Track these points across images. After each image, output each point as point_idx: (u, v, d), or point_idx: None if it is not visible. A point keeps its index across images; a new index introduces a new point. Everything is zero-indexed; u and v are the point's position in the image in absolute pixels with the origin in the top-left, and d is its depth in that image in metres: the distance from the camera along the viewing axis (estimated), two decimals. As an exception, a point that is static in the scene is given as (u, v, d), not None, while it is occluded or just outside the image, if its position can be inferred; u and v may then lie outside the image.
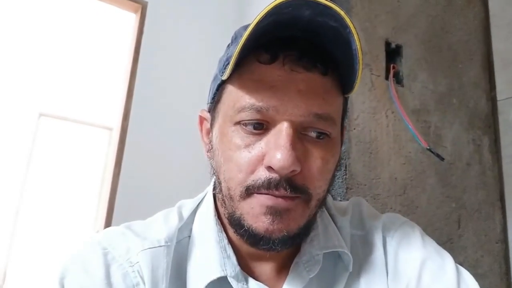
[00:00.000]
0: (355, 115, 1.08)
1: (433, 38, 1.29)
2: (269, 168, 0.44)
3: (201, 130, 0.56)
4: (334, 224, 0.56)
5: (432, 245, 0.56)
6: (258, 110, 0.45)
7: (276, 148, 0.43)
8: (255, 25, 0.42)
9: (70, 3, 3.65)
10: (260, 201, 0.44)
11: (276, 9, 0.42)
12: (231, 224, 0.48)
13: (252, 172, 0.45)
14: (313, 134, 0.46)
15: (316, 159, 0.46)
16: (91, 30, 3.80)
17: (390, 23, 1.20)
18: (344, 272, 0.53)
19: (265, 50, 0.46)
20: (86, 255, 0.50)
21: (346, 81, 0.48)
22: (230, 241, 0.52)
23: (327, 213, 0.57)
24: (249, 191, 0.45)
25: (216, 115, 0.51)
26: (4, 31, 3.55)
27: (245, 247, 0.51)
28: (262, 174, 0.44)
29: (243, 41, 0.42)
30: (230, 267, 0.49)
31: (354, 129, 1.07)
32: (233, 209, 0.47)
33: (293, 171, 0.43)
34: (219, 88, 0.50)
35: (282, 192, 0.44)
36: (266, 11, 0.42)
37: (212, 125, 0.52)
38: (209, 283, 0.48)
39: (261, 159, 0.45)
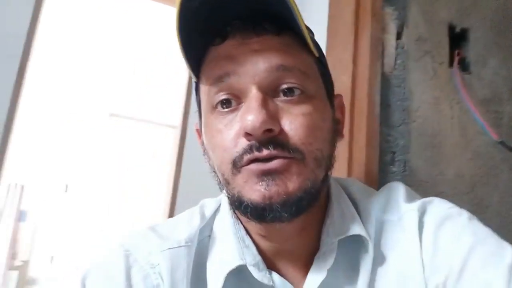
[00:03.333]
0: (415, 106, 1.00)
1: (504, 20, 1.17)
2: (247, 135, 0.44)
3: (201, 143, 0.55)
4: (354, 209, 0.53)
5: (486, 232, 0.49)
6: (221, 81, 0.45)
7: (246, 113, 0.44)
8: (180, 5, 0.42)
9: (134, 7, 3.79)
10: (250, 171, 0.44)
11: None
12: (236, 207, 0.47)
13: (235, 146, 0.45)
14: (286, 95, 0.45)
15: (297, 116, 0.45)
16: (155, 32, 3.94)
17: (453, 5, 1.10)
18: (367, 258, 0.50)
19: (215, 35, 0.47)
20: (108, 257, 0.51)
21: (303, 40, 0.47)
22: (250, 236, 0.51)
23: (346, 197, 0.54)
24: (236, 166, 0.45)
25: (201, 117, 0.51)
26: (76, 38, 3.77)
27: (263, 243, 0.51)
28: (242, 143, 0.44)
29: (177, 24, 0.43)
30: (249, 256, 0.49)
31: (414, 121, 1.00)
32: (231, 191, 0.47)
33: (269, 130, 0.43)
34: (197, 92, 0.52)
35: (266, 152, 0.43)
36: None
37: (201, 128, 0.52)
38: (228, 274, 0.47)
39: (240, 132, 0.45)
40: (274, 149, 0.43)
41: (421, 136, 1.00)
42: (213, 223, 0.55)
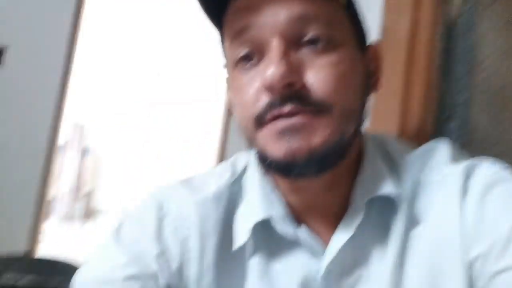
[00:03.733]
0: (481, 57, 0.91)
1: None
2: (267, 90, 0.42)
3: (228, 99, 0.54)
4: (388, 167, 0.50)
5: None
6: (242, 34, 0.44)
7: (266, 66, 0.42)
8: None
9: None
10: (272, 128, 0.43)
11: None
12: (261, 163, 0.47)
13: (258, 101, 0.43)
14: (310, 45, 0.43)
15: (322, 66, 0.43)
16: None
17: None
18: (399, 220, 0.47)
19: None
20: (142, 209, 0.53)
21: None
22: (280, 190, 0.51)
23: (382, 155, 0.52)
24: (259, 122, 0.44)
25: (227, 75, 0.51)
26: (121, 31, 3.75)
27: (292, 197, 0.50)
28: (264, 99, 0.43)
29: None
30: (275, 210, 0.49)
31: (479, 74, 0.91)
32: (257, 147, 0.46)
33: (291, 83, 0.41)
34: (223, 48, 0.51)
35: (289, 107, 0.41)
36: None
37: (227, 87, 0.51)
38: (255, 227, 0.48)
39: (261, 88, 0.43)
40: (297, 105, 0.41)
41: (485, 90, 0.91)
42: (243, 177, 0.55)
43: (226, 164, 0.57)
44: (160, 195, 0.53)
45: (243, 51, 0.45)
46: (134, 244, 0.49)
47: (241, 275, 0.50)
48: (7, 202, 1.99)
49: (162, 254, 0.49)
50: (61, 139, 1.86)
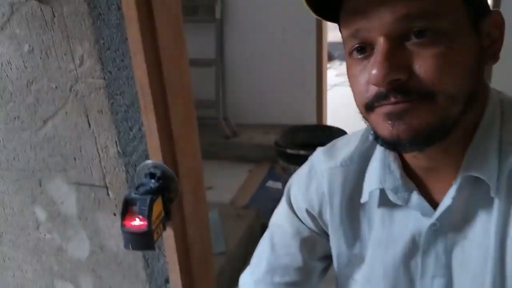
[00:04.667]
0: None
1: None
2: (374, 85, 0.47)
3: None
4: (496, 141, 0.52)
5: None
6: (353, 36, 0.49)
7: (372, 65, 0.46)
8: None
9: None
10: (379, 111, 0.48)
11: None
12: (375, 139, 0.53)
13: (367, 91, 0.49)
14: (417, 37, 0.45)
15: (428, 57, 0.45)
16: None
17: None
18: (492, 204, 0.51)
19: None
20: (302, 171, 0.71)
21: None
22: (402, 157, 0.58)
23: (497, 130, 0.52)
24: (368, 107, 0.50)
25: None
26: None
27: (413, 161, 0.56)
28: (372, 89, 0.48)
29: None
30: (390, 181, 0.57)
31: None
32: (370, 125, 0.53)
33: (395, 80, 0.45)
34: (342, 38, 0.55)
35: (393, 100, 0.46)
36: None
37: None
38: (372, 193, 0.59)
39: (369, 81, 0.48)
40: (401, 97, 0.46)
41: None
42: (375, 145, 0.62)
43: (363, 130, 0.66)
44: (313, 159, 0.70)
45: (356, 45, 0.50)
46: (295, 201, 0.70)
47: (367, 221, 0.62)
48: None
49: (309, 204, 0.67)
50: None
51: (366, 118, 0.52)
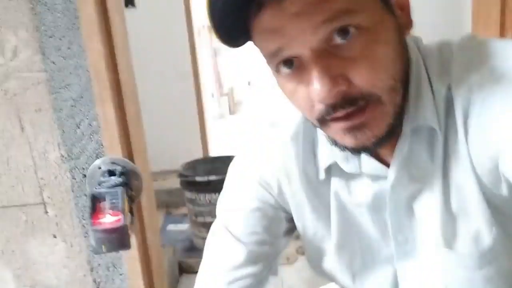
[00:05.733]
0: None
1: None
2: (320, 103, 0.46)
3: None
4: (429, 89, 0.51)
5: None
6: (276, 55, 0.46)
7: (311, 85, 0.45)
8: None
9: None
10: (337, 127, 0.47)
11: None
12: (334, 144, 0.52)
13: (312, 107, 0.47)
14: (341, 38, 0.43)
15: (360, 60, 0.44)
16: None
17: None
18: (438, 147, 0.52)
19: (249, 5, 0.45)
20: (246, 158, 0.66)
21: None
22: None
23: (424, 75, 0.52)
24: (321, 122, 0.48)
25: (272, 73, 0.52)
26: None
27: None
28: (318, 105, 0.46)
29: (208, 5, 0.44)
30: (338, 152, 0.54)
31: None
32: (325, 132, 0.52)
33: (338, 92, 0.44)
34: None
35: (343, 113, 0.45)
36: None
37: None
38: (327, 169, 0.58)
39: (312, 99, 0.46)
40: (349, 107, 0.45)
41: None
42: None
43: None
44: (261, 139, 0.65)
45: (281, 62, 0.46)
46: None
47: (327, 192, 0.60)
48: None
49: (266, 183, 0.62)
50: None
51: (321, 129, 0.51)
